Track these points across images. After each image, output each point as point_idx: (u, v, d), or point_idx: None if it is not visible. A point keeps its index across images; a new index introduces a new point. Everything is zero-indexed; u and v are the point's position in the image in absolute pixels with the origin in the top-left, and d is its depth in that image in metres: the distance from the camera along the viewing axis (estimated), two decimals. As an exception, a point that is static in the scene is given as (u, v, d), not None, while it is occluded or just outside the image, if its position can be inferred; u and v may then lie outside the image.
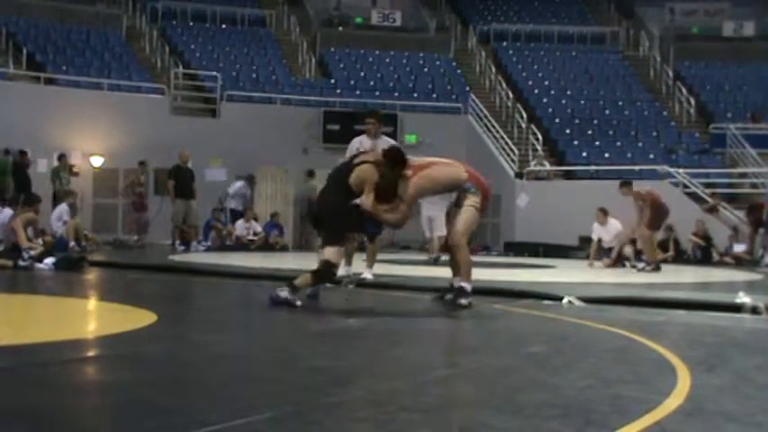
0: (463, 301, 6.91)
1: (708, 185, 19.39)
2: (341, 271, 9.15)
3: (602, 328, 6.11)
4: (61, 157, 17.42)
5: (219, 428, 2.91)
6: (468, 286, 6.98)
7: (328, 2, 27.78)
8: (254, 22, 26.65)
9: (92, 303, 7.83)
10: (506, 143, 21.67)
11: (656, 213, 13.49)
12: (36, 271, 10.70)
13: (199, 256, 14.28)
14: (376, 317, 6.69)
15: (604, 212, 14.65)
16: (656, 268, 13.25)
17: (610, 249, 14.56)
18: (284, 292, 6.76)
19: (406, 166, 6.95)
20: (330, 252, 6.88)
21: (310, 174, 19.04)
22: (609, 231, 14.54)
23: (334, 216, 6.97)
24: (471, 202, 6.95)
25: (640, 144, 22.59)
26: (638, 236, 13.83)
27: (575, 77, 25.95)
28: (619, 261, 14.36)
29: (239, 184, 18.84)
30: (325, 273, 6.97)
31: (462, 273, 7.02)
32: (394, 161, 6.93)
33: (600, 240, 14.62)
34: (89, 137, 19.45)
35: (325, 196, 7.16)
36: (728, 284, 11.11)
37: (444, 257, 7.95)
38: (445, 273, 7.89)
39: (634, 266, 13.77)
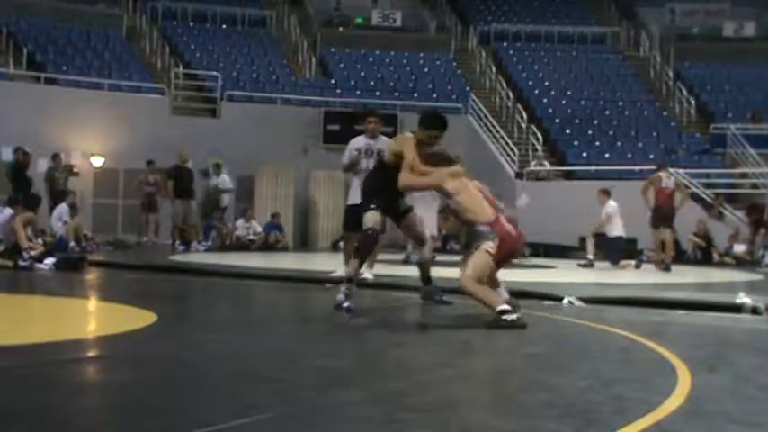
0: (507, 318, 6.17)
1: (708, 186, 19.40)
2: (340, 271, 9.13)
3: (603, 329, 6.11)
4: (55, 157, 17.32)
5: (219, 428, 2.91)
6: (503, 306, 6.21)
7: (329, 2, 27.78)
8: (255, 23, 26.65)
9: (92, 303, 7.83)
10: (506, 143, 21.68)
11: (655, 211, 13.51)
12: (36, 271, 10.70)
13: (199, 256, 14.28)
14: (376, 317, 6.68)
15: (604, 193, 14.48)
16: (666, 268, 13.21)
17: (614, 239, 14.37)
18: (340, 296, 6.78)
19: (441, 133, 6.81)
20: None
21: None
22: (604, 211, 14.37)
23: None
24: (486, 246, 6.33)
25: (640, 144, 22.60)
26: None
27: (575, 78, 25.96)
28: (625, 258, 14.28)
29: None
30: (366, 238, 7.02)
31: (488, 306, 6.27)
32: (432, 122, 6.82)
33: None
34: (89, 137, 19.45)
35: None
36: (729, 285, 11.11)
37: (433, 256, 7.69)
38: (445, 273, 7.89)
39: (637, 266, 13.80)
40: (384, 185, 6.97)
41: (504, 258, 6.42)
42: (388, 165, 6.99)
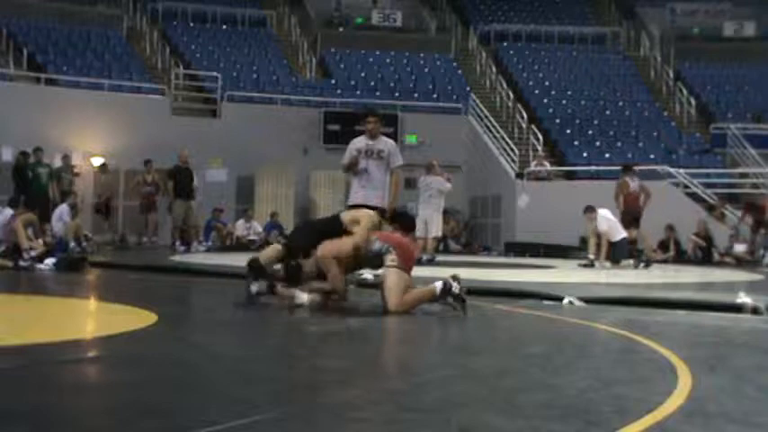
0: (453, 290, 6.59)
1: (708, 186, 19.41)
2: (366, 273, 9.02)
3: (603, 329, 6.10)
4: (64, 158, 17.44)
5: (220, 428, 2.91)
6: (437, 286, 6.62)
7: (329, 2, 27.79)
8: (255, 23, 26.66)
9: (92, 304, 7.83)
10: (507, 143, 21.69)
11: (624, 214, 13.91)
12: (36, 271, 10.70)
13: (199, 257, 14.28)
14: (376, 317, 6.68)
15: (590, 210, 14.18)
16: (644, 263, 13.48)
17: (619, 242, 14.27)
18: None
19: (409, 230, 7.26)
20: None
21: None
22: (599, 228, 14.21)
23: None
24: (387, 262, 6.65)
25: (641, 144, 22.61)
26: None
27: (575, 78, 25.96)
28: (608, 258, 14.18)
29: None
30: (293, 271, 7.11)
31: (427, 300, 6.67)
32: (410, 224, 7.29)
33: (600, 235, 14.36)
34: (90, 137, 19.45)
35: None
36: (729, 285, 11.11)
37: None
38: (444, 273, 7.88)
39: (636, 266, 13.83)
40: (324, 234, 7.05)
41: (409, 260, 6.76)
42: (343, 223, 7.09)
